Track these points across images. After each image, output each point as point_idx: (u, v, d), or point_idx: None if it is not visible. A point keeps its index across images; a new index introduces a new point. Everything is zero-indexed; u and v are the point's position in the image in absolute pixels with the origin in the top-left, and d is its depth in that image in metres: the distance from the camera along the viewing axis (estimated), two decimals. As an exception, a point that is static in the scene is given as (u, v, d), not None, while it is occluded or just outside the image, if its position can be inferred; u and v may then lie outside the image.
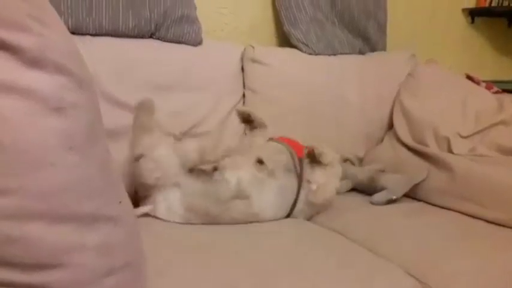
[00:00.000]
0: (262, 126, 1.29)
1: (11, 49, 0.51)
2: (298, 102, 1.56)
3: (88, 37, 1.28)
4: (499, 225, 1.14)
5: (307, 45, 1.66)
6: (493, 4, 2.32)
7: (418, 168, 1.36)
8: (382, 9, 1.86)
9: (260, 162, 1.12)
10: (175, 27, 1.40)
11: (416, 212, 1.24)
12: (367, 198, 1.33)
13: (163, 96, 1.35)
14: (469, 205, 1.21)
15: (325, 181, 1.15)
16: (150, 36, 1.39)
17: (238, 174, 1.07)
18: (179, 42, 1.43)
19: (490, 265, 0.94)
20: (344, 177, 1.41)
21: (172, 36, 1.41)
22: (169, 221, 1.05)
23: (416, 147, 1.46)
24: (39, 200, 0.52)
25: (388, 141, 1.61)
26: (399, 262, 0.94)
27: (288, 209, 1.15)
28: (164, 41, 1.40)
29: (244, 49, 1.56)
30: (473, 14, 2.33)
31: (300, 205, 1.16)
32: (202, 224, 1.05)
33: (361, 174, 1.39)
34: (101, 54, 1.27)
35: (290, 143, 1.23)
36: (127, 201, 0.69)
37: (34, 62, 0.52)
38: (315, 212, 1.20)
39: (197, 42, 1.47)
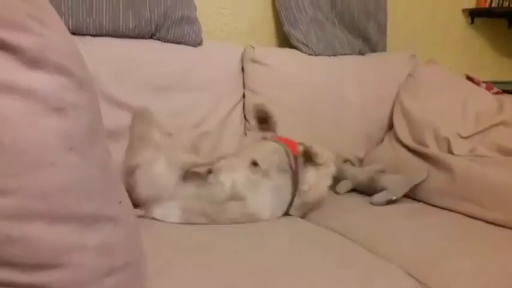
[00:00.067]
0: (272, 130, 1.30)
1: (11, 49, 0.51)
2: (298, 103, 1.56)
3: (88, 37, 1.28)
4: (499, 225, 1.13)
5: (307, 46, 1.66)
6: (493, 5, 2.32)
7: (418, 169, 1.36)
8: (382, 9, 1.86)
9: (254, 164, 1.12)
10: (175, 28, 1.40)
11: (416, 212, 1.24)
12: (367, 198, 1.33)
13: (164, 96, 1.35)
14: (469, 206, 1.21)
15: (316, 181, 1.17)
16: (151, 37, 1.39)
17: (233, 176, 1.08)
18: (179, 42, 1.43)
19: (489, 265, 0.94)
20: (344, 177, 1.42)
21: (172, 37, 1.41)
22: (168, 221, 1.05)
23: (416, 147, 1.46)
24: (39, 200, 0.52)
25: (388, 141, 1.61)
26: (399, 262, 0.94)
27: (285, 208, 1.16)
28: (164, 41, 1.41)
29: (244, 49, 1.56)
30: (473, 14, 2.33)
31: (296, 203, 1.17)
32: (199, 224, 1.06)
33: (361, 174, 1.39)
34: (101, 54, 1.27)
35: (285, 141, 1.24)
36: (127, 201, 0.69)
37: (34, 62, 0.52)
38: (309, 209, 1.21)
39: (197, 43, 1.47)
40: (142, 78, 1.32)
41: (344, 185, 1.40)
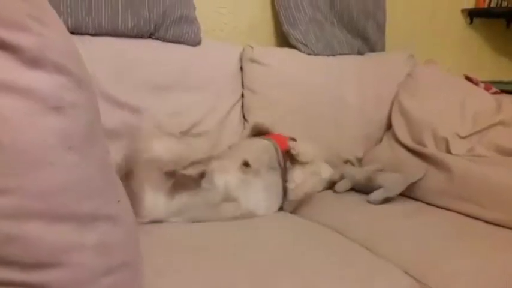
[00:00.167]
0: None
1: (11, 49, 0.51)
2: (297, 103, 1.56)
3: (87, 37, 1.28)
4: (498, 225, 1.14)
5: (306, 46, 1.66)
6: (492, 5, 2.33)
7: (416, 168, 1.37)
8: (381, 9, 1.86)
9: (246, 164, 1.14)
10: (174, 27, 1.40)
11: (416, 212, 1.24)
12: (366, 198, 1.33)
13: (163, 96, 1.35)
14: (468, 205, 1.21)
15: (302, 180, 1.21)
16: (149, 36, 1.39)
17: (225, 178, 1.10)
18: (178, 42, 1.43)
19: (489, 265, 0.94)
20: (341, 177, 1.43)
21: (171, 36, 1.41)
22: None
23: (415, 147, 1.46)
24: (38, 199, 0.52)
25: (387, 141, 1.61)
26: (399, 262, 0.94)
27: (278, 203, 1.21)
28: (163, 41, 1.41)
29: (243, 49, 1.56)
30: (472, 14, 2.33)
31: (286, 199, 1.22)
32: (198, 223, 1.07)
33: (359, 174, 1.40)
34: (100, 54, 1.27)
35: (275, 138, 1.26)
36: (125, 201, 0.69)
37: (33, 61, 0.52)
38: (298, 204, 1.25)
39: (196, 42, 1.47)
40: (141, 77, 1.32)
41: (342, 185, 1.40)
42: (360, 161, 1.64)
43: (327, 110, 1.61)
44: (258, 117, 1.46)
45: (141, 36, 1.37)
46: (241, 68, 1.55)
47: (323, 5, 1.72)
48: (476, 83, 1.90)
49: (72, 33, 1.23)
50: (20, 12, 0.53)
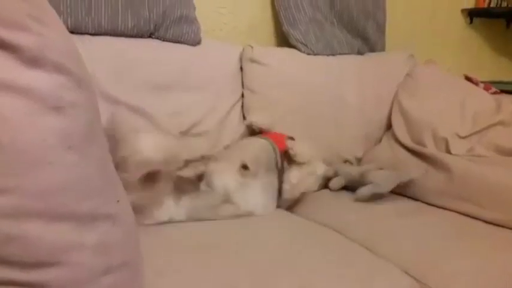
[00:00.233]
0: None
1: (10, 48, 0.51)
2: (296, 103, 1.56)
3: (87, 36, 1.28)
4: (498, 225, 1.14)
5: (306, 46, 1.66)
6: (492, 5, 2.33)
7: (416, 168, 1.37)
8: (381, 9, 1.86)
9: (245, 167, 1.15)
10: (174, 27, 1.40)
11: (415, 212, 1.24)
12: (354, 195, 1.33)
13: (162, 95, 1.35)
14: (467, 205, 1.21)
15: (298, 180, 1.22)
16: (149, 36, 1.39)
17: (224, 181, 1.11)
18: (178, 41, 1.43)
19: (489, 265, 0.94)
20: (335, 174, 1.44)
21: (171, 36, 1.41)
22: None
23: (414, 147, 1.46)
24: (37, 199, 0.52)
25: (387, 141, 1.61)
26: (399, 262, 0.94)
27: (275, 203, 1.22)
28: (163, 40, 1.41)
29: (243, 49, 1.56)
30: (472, 14, 2.34)
31: (282, 196, 1.23)
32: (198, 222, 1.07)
33: (353, 171, 1.40)
34: (100, 53, 1.27)
35: (273, 137, 1.27)
36: (125, 200, 0.69)
37: (33, 61, 0.52)
38: (293, 202, 1.27)
39: (196, 42, 1.47)
40: (141, 77, 1.32)
41: (337, 182, 1.41)
42: (359, 161, 1.64)
43: (326, 110, 1.61)
44: (254, 116, 1.47)
45: (141, 36, 1.37)
46: (241, 68, 1.55)
47: (323, 5, 1.72)
48: (476, 83, 1.90)
49: (72, 32, 1.23)
50: (19, 12, 0.53)
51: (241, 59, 1.55)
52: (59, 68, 0.55)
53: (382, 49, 1.89)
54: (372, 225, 1.14)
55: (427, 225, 1.13)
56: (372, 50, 1.85)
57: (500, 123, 1.45)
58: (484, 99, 1.58)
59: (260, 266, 0.85)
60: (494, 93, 1.85)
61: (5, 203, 0.51)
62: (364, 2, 1.79)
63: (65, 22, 1.22)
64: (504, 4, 2.34)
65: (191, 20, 1.45)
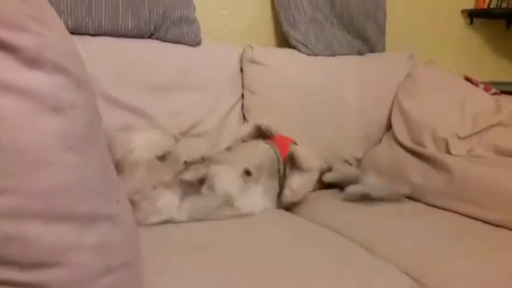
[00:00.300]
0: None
1: (10, 49, 0.51)
2: (297, 103, 1.56)
3: (87, 37, 1.28)
4: (497, 225, 1.14)
5: (306, 46, 1.66)
6: (492, 6, 2.33)
7: (414, 171, 1.37)
8: (381, 10, 1.86)
9: (247, 173, 1.16)
10: (174, 28, 1.41)
11: (415, 212, 1.24)
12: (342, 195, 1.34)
13: (162, 96, 1.35)
14: (467, 206, 1.21)
15: (299, 186, 1.23)
16: (150, 37, 1.39)
17: (225, 186, 1.11)
18: (178, 42, 1.43)
19: (489, 265, 0.94)
20: (329, 169, 1.44)
21: (171, 37, 1.41)
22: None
23: (414, 148, 1.46)
24: (37, 199, 0.52)
25: (387, 142, 1.61)
26: (398, 262, 0.94)
27: (274, 206, 1.24)
28: (163, 41, 1.41)
29: (243, 50, 1.56)
30: (472, 15, 2.33)
31: (282, 199, 1.24)
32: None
33: (350, 171, 1.41)
34: (100, 54, 1.27)
35: (277, 142, 1.27)
36: (125, 201, 0.69)
37: (33, 61, 0.52)
38: (292, 204, 1.27)
39: (196, 43, 1.47)
40: (141, 77, 1.32)
41: (332, 175, 1.41)
42: (359, 161, 1.64)
43: (327, 111, 1.61)
44: (259, 117, 1.46)
45: (141, 37, 1.37)
46: (241, 69, 1.56)
47: (323, 6, 1.72)
48: (475, 84, 1.90)
49: (72, 33, 1.23)
50: (19, 13, 0.53)
51: (241, 60, 1.55)
52: (58, 69, 0.55)
53: (382, 50, 1.89)
54: (371, 226, 1.14)
55: (427, 226, 1.13)
56: (372, 50, 1.85)
57: (500, 123, 1.45)
58: (484, 100, 1.58)
59: (260, 265, 0.85)
60: (494, 93, 1.86)
61: (5, 204, 0.51)
62: (365, 2, 1.79)
63: (65, 22, 1.22)
64: (504, 5, 2.34)
65: (191, 21, 1.45)
